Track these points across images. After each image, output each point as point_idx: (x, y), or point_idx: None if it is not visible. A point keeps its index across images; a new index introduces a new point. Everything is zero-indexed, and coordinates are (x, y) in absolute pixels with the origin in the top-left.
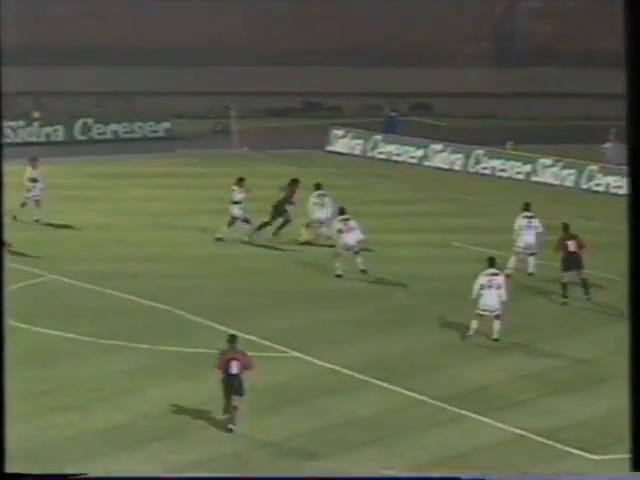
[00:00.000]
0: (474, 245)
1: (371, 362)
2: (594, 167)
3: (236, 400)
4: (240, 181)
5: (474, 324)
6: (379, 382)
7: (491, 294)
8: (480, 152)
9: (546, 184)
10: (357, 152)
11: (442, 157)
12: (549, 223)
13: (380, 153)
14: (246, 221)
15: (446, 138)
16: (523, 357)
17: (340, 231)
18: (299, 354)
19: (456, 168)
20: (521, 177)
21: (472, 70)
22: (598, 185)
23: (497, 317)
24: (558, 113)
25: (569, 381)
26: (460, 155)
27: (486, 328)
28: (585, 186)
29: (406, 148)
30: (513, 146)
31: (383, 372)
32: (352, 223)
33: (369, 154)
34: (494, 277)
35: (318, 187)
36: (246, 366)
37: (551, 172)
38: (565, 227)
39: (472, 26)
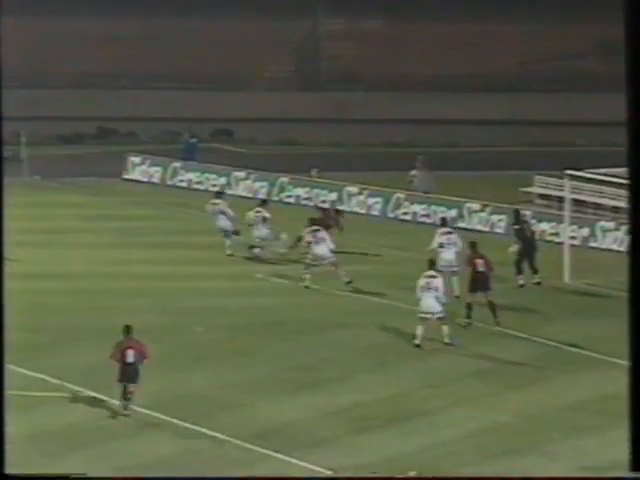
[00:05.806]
0: (276, 277)
1: (170, 400)
2: (401, 195)
3: (131, 387)
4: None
5: (419, 330)
6: (178, 421)
7: (429, 296)
8: (285, 180)
9: (352, 212)
10: (156, 180)
11: (246, 185)
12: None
13: (180, 181)
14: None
15: (249, 165)
16: (329, 393)
17: (310, 243)
18: (94, 393)
19: (260, 196)
20: (327, 205)
21: (274, 95)
22: (405, 214)
23: (440, 320)
24: (364, 139)
25: (377, 417)
26: (264, 183)
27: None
28: (392, 214)
29: (207, 176)
30: (318, 173)
31: (182, 411)
32: (321, 234)
33: (169, 182)
34: (432, 279)
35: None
36: (142, 354)
37: (357, 200)
38: (472, 245)
39: (272, 49)
